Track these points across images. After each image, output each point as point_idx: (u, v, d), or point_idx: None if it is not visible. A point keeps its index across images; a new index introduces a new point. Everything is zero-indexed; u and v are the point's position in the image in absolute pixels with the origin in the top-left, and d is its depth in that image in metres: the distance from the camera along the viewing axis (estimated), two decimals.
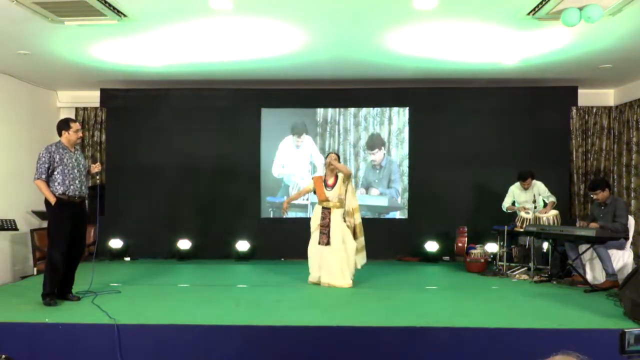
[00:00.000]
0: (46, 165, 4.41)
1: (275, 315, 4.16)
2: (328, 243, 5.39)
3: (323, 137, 7.66)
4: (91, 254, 7.34)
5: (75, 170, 4.53)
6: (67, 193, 4.47)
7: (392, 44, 5.57)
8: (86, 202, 4.76)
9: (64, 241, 4.48)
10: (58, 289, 4.62)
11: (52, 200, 4.42)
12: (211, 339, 3.81)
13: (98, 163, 4.90)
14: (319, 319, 4.04)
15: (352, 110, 7.62)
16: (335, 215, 5.44)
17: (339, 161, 5.60)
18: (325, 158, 5.71)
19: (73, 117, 8.16)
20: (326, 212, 5.46)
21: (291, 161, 7.66)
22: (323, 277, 5.45)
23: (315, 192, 5.63)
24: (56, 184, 4.45)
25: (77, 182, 4.53)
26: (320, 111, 7.64)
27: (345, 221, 5.48)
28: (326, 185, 5.54)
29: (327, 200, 5.49)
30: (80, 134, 4.62)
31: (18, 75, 7.01)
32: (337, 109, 7.63)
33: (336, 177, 5.55)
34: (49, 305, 4.41)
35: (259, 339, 3.81)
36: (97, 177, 8.12)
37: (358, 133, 7.64)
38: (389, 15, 4.71)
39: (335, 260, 5.37)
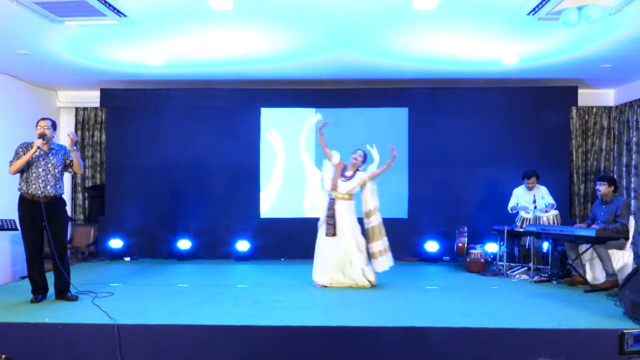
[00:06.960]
0: (16, 156, 4.59)
1: (275, 315, 4.16)
2: (334, 234, 5.23)
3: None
4: (91, 254, 7.40)
5: (40, 170, 4.55)
6: (29, 191, 4.54)
7: (392, 44, 5.57)
8: (58, 201, 4.66)
9: (29, 239, 4.58)
10: (55, 289, 4.66)
11: (36, 146, 4.49)
12: (211, 339, 3.81)
13: (71, 134, 4.69)
14: (319, 319, 4.03)
15: (353, 110, 7.60)
16: (341, 206, 5.29)
17: (364, 160, 5.42)
18: (353, 153, 5.44)
19: (73, 117, 8.19)
20: (332, 202, 5.32)
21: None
22: (336, 277, 5.30)
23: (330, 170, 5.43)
24: (20, 180, 4.60)
25: (40, 181, 4.54)
26: (322, 111, 7.60)
27: (368, 220, 5.35)
28: (343, 175, 5.38)
29: (335, 189, 5.35)
30: (38, 130, 4.57)
31: (18, 75, 7.01)
32: (338, 109, 7.61)
33: (355, 171, 5.39)
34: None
35: (259, 339, 3.81)
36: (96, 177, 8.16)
37: (360, 133, 7.60)
38: (389, 15, 4.71)
39: (344, 253, 5.23)
